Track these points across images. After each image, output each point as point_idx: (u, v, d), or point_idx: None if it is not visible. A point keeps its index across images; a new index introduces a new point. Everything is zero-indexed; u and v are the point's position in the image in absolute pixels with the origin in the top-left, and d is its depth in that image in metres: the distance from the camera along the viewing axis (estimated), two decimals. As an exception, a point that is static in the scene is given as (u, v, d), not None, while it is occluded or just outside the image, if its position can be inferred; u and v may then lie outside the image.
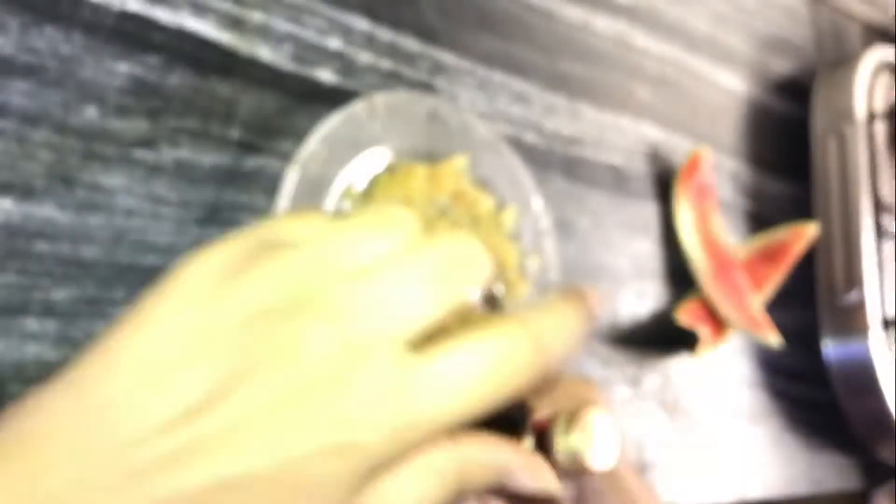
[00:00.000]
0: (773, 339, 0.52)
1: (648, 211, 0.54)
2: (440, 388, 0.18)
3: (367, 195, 0.39)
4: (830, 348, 0.58)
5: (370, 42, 0.42)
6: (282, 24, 0.39)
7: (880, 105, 0.62)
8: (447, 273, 0.20)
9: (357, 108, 0.38)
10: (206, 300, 0.18)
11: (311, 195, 0.37)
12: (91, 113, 0.33)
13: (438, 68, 0.44)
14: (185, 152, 0.35)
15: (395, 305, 0.19)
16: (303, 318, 0.18)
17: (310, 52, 0.40)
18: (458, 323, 0.23)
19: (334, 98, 0.40)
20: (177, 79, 0.35)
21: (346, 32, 0.41)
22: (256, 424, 0.17)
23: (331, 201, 0.38)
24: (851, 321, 0.57)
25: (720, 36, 0.62)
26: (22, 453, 0.17)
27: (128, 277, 0.33)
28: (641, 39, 0.56)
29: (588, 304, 0.22)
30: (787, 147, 0.64)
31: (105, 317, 0.32)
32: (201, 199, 0.35)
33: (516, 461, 0.21)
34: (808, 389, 0.60)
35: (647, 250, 0.53)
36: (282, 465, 0.17)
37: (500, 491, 0.21)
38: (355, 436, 0.17)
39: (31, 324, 0.30)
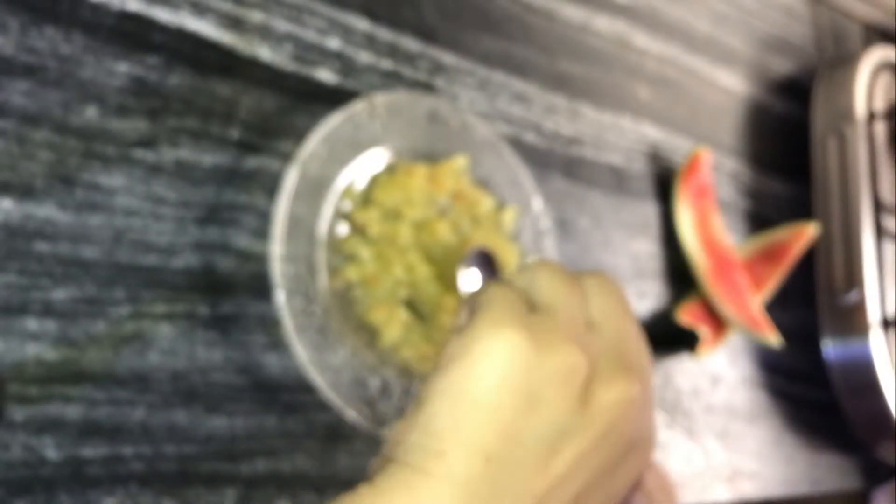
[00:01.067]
0: (773, 339, 0.52)
1: (648, 211, 0.54)
2: None
3: (367, 195, 0.39)
4: (830, 348, 0.58)
5: (370, 42, 0.42)
6: (282, 24, 0.39)
7: (880, 105, 0.62)
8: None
9: (357, 108, 0.38)
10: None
11: (311, 195, 0.37)
12: (91, 113, 0.33)
13: (438, 68, 0.44)
14: (185, 152, 0.35)
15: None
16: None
17: (310, 52, 0.40)
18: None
19: (334, 98, 0.40)
20: (177, 79, 0.35)
21: (346, 32, 0.41)
22: None
23: (331, 201, 0.38)
24: (851, 321, 0.57)
25: (720, 36, 0.62)
26: None
27: (128, 277, 0.33)
28: (641, 39, 0.56)
29: None
30: (787, 147, 0.64)
31: (105, 317, 0.32)
32: (201, 199, 0.35)
33: None
34: (808, 389, 0.60)
35: (647, 250, 0.53)
36: None
37: None
38: None
39: (31, 324, 0.30)
